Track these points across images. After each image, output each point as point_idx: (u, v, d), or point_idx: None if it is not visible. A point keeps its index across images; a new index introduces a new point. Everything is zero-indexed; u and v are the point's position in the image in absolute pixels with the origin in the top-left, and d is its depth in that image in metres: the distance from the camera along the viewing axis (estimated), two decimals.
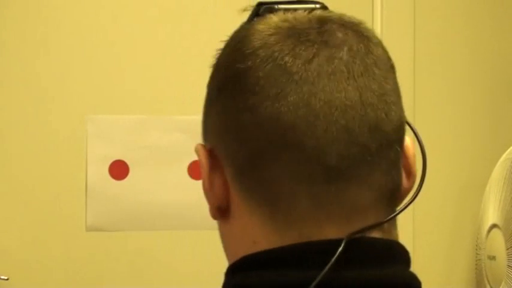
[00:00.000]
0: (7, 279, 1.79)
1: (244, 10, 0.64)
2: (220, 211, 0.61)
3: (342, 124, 0.56)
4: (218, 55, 0.64)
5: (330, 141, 0.56)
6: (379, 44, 0.61)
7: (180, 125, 1.90)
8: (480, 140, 2.07)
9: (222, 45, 0.64)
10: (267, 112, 0.56)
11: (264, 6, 0.62)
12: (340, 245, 0.54)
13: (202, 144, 0.62)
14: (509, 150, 1.81)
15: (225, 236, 0.63)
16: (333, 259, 0.54)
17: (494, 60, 2.09)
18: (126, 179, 1.88)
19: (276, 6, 0.61)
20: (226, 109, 0.60)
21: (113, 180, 1.88)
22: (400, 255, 0.59)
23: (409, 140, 0.62)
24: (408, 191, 0.62)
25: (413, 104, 1.92)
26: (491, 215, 1.80)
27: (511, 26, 2.10)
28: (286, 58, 0.57)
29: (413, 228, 1.93)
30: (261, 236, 0.58)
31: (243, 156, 0.58)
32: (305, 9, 0.61)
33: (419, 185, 0.61)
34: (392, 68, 0.61)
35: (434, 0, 2.06)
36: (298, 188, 0.56)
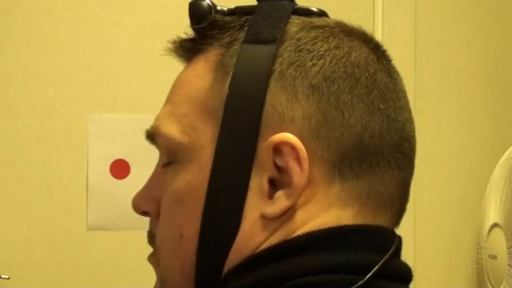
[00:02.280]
0: (8, 278, 1.80)
1: None
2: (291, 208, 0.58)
3: (413, 139, 0.65)
4: (294, 41, 0.61)
5: (411, 153, 0.64)
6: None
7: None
8: (481, 139, 2.07)
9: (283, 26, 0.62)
10: (393, 120, 0.62)
11: (300, 6, 0.64)
12: (395, 236, 0.63)
13: (293, 136, 0.58)
14: (510, 149, 1.81)
15: (253, 237, 0.59)
16: (393, 248, 0.60)
17: (494, 61, 2.09)
18: (127, 178, 1.89)
19: (314, 10, 0.66)
20: (344, 105, 0.59)
21: (114, 179, 1.88)
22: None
23: None
24: None
25: (414, 105, 1.92)
26: (492, 214, 1.80)
27: (511, 27, 2.11)
28: (384, 77, 0.63)
29: (415, 227, 1.93)
30: (334, 221, 0.60)
31: (358, 154, 0.59)
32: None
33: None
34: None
35: (435, 1, 2.06)
36: (399, 190, 0.63)
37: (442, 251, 2.04)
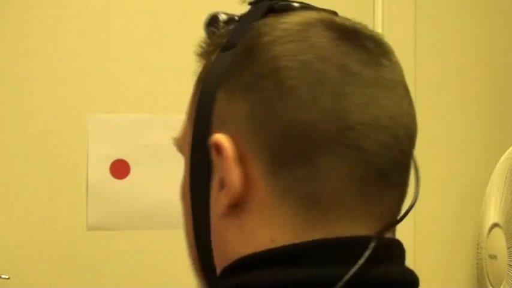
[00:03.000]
0: (8, 278, 1.80)
1: (243, 1, 0.65)
2: (231, 207, 0.59)
3: (393, 130, 0.58)
4: (245, 39, 0.62)
5: (384, 145, 0.58)
6: (396, 58, 0.63)
7: (181, 124, 1.90)
8: (481, 139, 2.07)
9: (239, 29, 0.64)
10: (329, 109, 0.56)
11: (281, 2, 0.63)
12: (368, 243, 0.56)
13: (224, 135, 0.59)
14: (510, 149, 1.81)
15: (222, 234, 0.61)
16: (366, 255, 0.55)
17: (494, 61, 2.09)
18: (127, 178, 1.89)
19: (296, 5, 0.63)
20: (273, 100, 0.58)
21: (114, 180, 1.88)
22: (404, 254, 0.61)
23: None
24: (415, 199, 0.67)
25: (414, 104, 1.92)
26: (492, 214, 1.80)
27: (510, 27, 2.11)
28: (344, 59, 0.58)
29: (415, 227, 1.93)
30: (284, 233, 0.57)
31: (288, 149, 0.57)
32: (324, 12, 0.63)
33: (415, 193, 0.63)
34: (406, 82, 0.65)
35: (435, 0, 2.07)
36: (348, 185, 0.57)
37: (442, 251, 2.04)
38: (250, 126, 0.58)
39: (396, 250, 0.60)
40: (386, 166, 0.58)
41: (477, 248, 1.91)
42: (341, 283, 0.53)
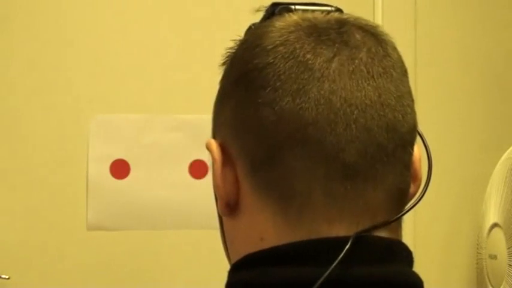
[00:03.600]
0: (8, 278, 1.79)
1: (257, 10, 0.66)
2: (229, 207, 0.61)
3: (362, 123, 0.57)
4: (233, 51, 0.64)
5: (349, 139, 0.56)
6: (395, 48, 0.62)
7: (181, 124, 1.90)
8: (481, 139, 2.07)
9: (234, 43, 0.65)
10: (288, 107, 0.57)
11: (281, 6, 0.63)
12: (347, 243, 0.55)
13: (213, 139, 0.64)
14: (510, 149, 1.81)
15: (230, 233, 0.64)
16: (340, 256, 0.54)
17: (495, 60, 2.09)
18: (127, 178, 1.89)
19: (293, 7, 0.63)
20: (244, 104, 0.60)
21: (114, 179, 1.88)
22: (404, 255, 0.60)
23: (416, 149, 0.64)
24: (413, 195, 0.63)
25: (415, 104, 1.92)
26: (492, 214, 1.80)
27: (511, 26, 2.11)
28: (308, 55, 0.58)
29: (414, 227, 1.93)
30: (269, 233, 0.58)
31: (261, 151, 0.59)
32: (322, 11, 0.62)
33: (424, 188, 0.62)
34: (406, 72, 0.62)
35: (435, 0, 2.06)
36: (314, 184, 0.57)
37: (442, 251, 2.04)
38: (232, 131, 0.61)
39: (383, 250, 0.58)
40: (353, 161, 0.57)
41: (477, 248, 1.91)
42: (319, 281, 0.53)
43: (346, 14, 0.63)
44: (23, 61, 1.85)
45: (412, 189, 0.62)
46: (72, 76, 1.87)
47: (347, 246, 0.54)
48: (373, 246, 0.57)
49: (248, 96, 0.59)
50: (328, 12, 0.62)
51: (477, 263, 1.90)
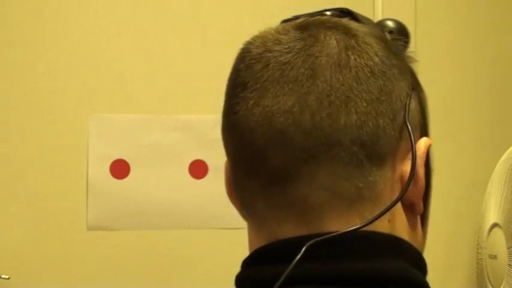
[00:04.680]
0: (8, 278, 1.79)
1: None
2: (240, 208, 0.65)
3: (278, 128, 0.58)
4: None
5: (268, 145, 0.59)
6: (363, 45, 0.60)
7: (181, 124, 1.90)
8: (481, 139, 2.07)
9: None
10: (227, 120, 0.63)
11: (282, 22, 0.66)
12: (300, 243, 0.56)
13: None
14: (510, 149, 1.81)
15: None
16: (298, 256, 0.56)
17: (495, 60, 2.09)
18: (127, 178, 1.89)
19: (297, 16, 0.65)
20: (227, 110, 0.64)
21: (114, 179, 1.88)
22: (384, 247, 0.59)
23: (422, 142, 0.62)
24: (417, 194, 0.62)
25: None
26: (492, 214, 1.80)
27: (510, 26, 2.11)
28: (251, 67, 0.61)
29: None
30: (251, 237, 0.64)
31: (230, 161, 0.64)
32: (309, 15, 0.63)
33: (404, 188, 0.60)
34: (368, 67, 0.60)
35: (435, 0, 2.07)
36: (254, 192, 0.61)
37: (441, 251, 2.04)
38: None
39: (343, 245, 0.57)
40: (277, 164, 0.58)
41: (477, 248, 1.91)
42: (279, 281, 0.55)
43: (336, 16, 0.63)
44: (23, 61, 1.85)
45: (412, 189, 0.61)
46: (73, 76, 1.87)
47: (304, 246, 0.56)
48: (329, 243, 0.57)
49: (224, 105, 0.64)
50: (312, 15, 0.63)
51: (477, 263, 1.90)
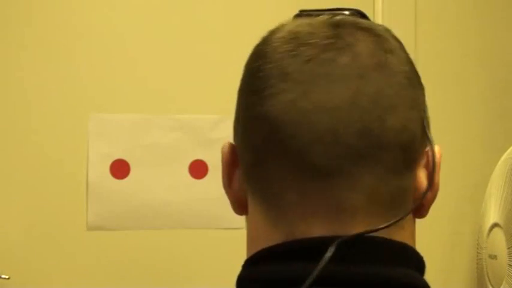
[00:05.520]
0: (8, 278, 1.80)
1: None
2: (241, 207, 0.63)
3: (327, 125, 0.57)
4: None
5: (314, 140, 0.57)
6: (393, 49, 0.61)
7: (181, 124, 1.90)
8: (481, 139, 2.07)
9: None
10: (263, 111, 0.58)
11: (298, 13, 0.64)
12: (327, 244, 0.55)
13: (230, 142, 0.64)
14: (510, 149, 1.81)
15: (246, 232, 0.66)
16: (327, 255, 0.54)
17: (495, 60, 2.09)
18: (127, 178, 1.89)
19: (306, 13, 0.63)
20: (239, 107, 0.63)
21: (114, 179, 1.88)
22: (397, 255, 0.59)
23: (435, 149, 0.62)
24: (430, 200, 0.62)
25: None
26: (492, 214, 1.80)
27: (510, 27, 2.11)
28: (285, 60, 0.59)
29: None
30: (261, 233, 0.60)
31: (248, 153, 0.61)
32: (330, 14, 0.62)
33: (422, 195, 0.61)
34: (403, 73, 0.61)
35: (435, 1, 2.07)
36: (286, 185, 0.58)
37: (442, 251, 2.04)
38: (236, 134, 0.63)
39: (366, 249, 0.57)
40: (323, 162, 0.57)
41: (477, 248, 1.91)
42: (307, 282, 0.54)
43: (357, 17, 0.63)
44: (22, 61, 1.85)
45: (429, 195, 0.62)
46: (73, 76, 1.87)
47: (332, 250, 0.55)
48: (360, 247, 0.57)
49: (245, 98, 0.62)
50: (335, 15, 0.62)
51: (477, 263, 1.90)
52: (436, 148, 0.63)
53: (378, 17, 1.99)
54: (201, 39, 1.92)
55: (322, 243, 0.55)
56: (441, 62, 2.05)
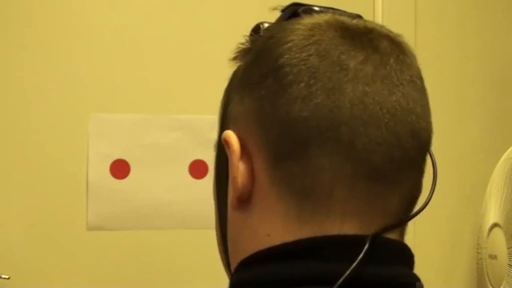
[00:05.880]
0: (8, 278, 1.80)
1: (274, 9, 0.66)
2: (240, 200, 0.62)
3: (391, 127, 0.57)
4: (249, 46, 0.65)
5: (379, 141, 0.57)
6: (416, 58, 0.63)
7: (181, 124, 1.91)
8: (481, 139, 2.07)
9: (246, 40, 0.66)
10: (322, 104, 0.57)
11: (305, 6, 0.64)
12: (362, 242, 0.56)
13: (230, 131, 0.62)
14: (510, 149, 1.81)
15: (235, 229, 0.64)
16: (361, 254, 0.55)
17: (495, 61, 2.09)
18: (127, 178, 1.89)
19: (317, 8, 0.63)
20: (273, 97, 0.59)
21: (114, 179, 1.88)
22: (410, 258, 0.61)
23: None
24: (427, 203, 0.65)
25: None
26: (492, 214, 1.80)
27: (510, 27, 2.11)
28: (343, 56, 0.58)
29: (415, 227, 1.93)
30: (277, 229, 0.59)
31: (286, 144, 0.58)
32: (348, 15, 0.63)
33: (430, 194, 0.63)
34: (424, 83, 0.63)
35: (435, 1, 2.07)
36: (339, 180, 0.57)
37: (442, 251, 2.04)
38: (255, 123, 0.60)
39: (394, 252, 0.59)
40: (380, 163, 0.57)
41: (477, 248, 1.91)
42: (341, 279, 0.54)
43: (369, 21, 0.64)
44: (22, 61, 1.85)
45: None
46: (73, 76, 1.87)
47: (366, 246, 0.55)
48: (387, 247, 0.58)
49: (279, 90, 0.59)
50: (353, 17, 0.63)
51: (477, 263, 1.91)
52: None
53: (378, 17, 1.99)
54: (201, 39, 1.93)
55: (354, 242, 0.56)
56: (441, 62, 2.05)
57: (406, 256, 0.60)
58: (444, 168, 2.06)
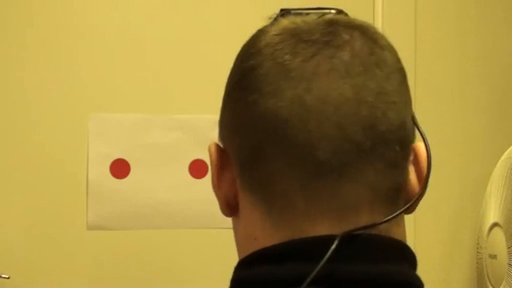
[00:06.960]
0: (8, 278, 1.80)
1: (270, 18, 0.66)
2: (230, 208, 0.63)
3: (334, 120, 0.56)
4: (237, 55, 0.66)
5: (321, 136, 0.56)
6: (387, 47, 0.62)
7: (181, 124, 1.91)
8: (481, 139, 2.07)
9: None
10: (263, 108, 0.58)
11: (283, 11, 0.64)
12: (332, 241, 0.55)
13: (216, 142, 0.65)
14: (510, 149, 1.81)
15: (236, 233, 0.66)
16: (329, 252, 0.54)
17: (495, 61, 2.09)
18: (127, 178, 1.89)
19: (292, 12, 0.63)
20: (235, 106, 0.61)
21: (114, 179, 1.88)
22: (406, 255, 0.59)
23: (422, 145, 0.63)
24: (421, 196, 0.62)
25: (414, 104, 1.91)
26: (492, 213, 1.80)
27: (510, 27, 2.11)
28: (286, 56, 0.59)
29: (415, 226, 1.93)
30: (260, 233, 0.60)
31: (245, 152, 0.60)
32: (317, 13, 0.63)
33: (421, 189, 0.62)
34: (399, 70, 0.62)
35: (435, 0, 2.07)
36: (291, 183, 0.57)
37: (442, 250, 2.04)
38: (229, 132, 0.63)
39: (378, 248, 0.57)
40: (324, 158, 0.56)
41: (477, 248, 1.91)
42: (309, 278, 0.54)
43: (345, 16, 0.64)
44: (22, 61, 1.85)
45: (418, 189, 0.62)
46: (72, 76, 1.87)
47: (333, 245, 0.54)
48: (360, 245, 0.57)
49: (241, 97, 0.61)
50: (324, 14, 0.62)
51: (477, 263, 1.91)
52: (422, 145, 0.64)
53: (378, 17, 1.99)
54: (201, 39, 1.93)
55: (326, 241, 0.55)
56: (441, 62, 2.05)
57: (399, 252, 0.59)
58: (444, 168, 2.07)
